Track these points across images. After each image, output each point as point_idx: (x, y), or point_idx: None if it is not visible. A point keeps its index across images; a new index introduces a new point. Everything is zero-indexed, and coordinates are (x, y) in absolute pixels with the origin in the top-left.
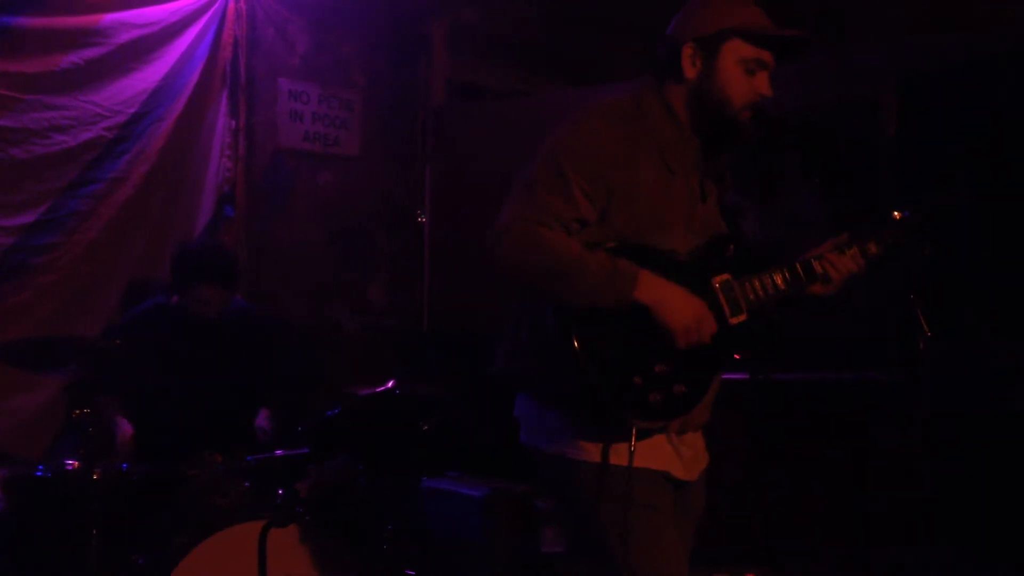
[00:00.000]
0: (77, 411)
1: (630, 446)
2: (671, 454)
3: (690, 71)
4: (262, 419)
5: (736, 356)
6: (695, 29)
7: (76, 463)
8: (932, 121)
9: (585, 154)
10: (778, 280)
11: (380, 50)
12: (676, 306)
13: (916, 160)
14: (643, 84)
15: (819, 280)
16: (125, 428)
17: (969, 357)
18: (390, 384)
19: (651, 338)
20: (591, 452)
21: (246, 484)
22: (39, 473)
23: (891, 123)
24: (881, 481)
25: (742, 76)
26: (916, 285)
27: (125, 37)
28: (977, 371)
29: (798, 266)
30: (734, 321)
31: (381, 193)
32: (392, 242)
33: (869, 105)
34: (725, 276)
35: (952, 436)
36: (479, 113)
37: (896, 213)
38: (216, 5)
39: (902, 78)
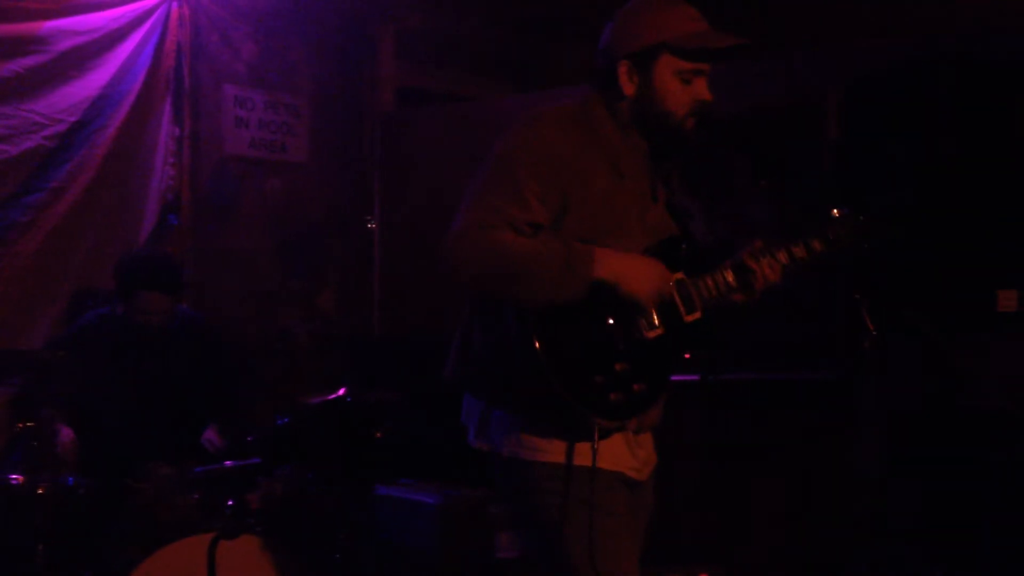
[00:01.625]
0: (21, 424)
1: (593, 445)
2: (627, 455)
3: (628, 88)
4: (210, 430)
5: (687, 355)
6: (628, 45)
7: (21, 477)
8: (874, 123)
9: (536, 158)
10: (729, 277)
11: (327, 56)
12: (638, 274)
13: (859, 162)
14: (589, 90)
15: (783, 268)
16: (65, 434)
17: (913, 355)
18: (341, 392)
19: (610, 337)
20: (550, 453)
21: (195, 496)
22: None
23: (834, 126)
24: (830, 479)
25: (679, 87)
26: (861, 284)
27: (65, 45)
28: (922, 369)
29: (748, 262)
30: (689, 319)
31: (330, 199)
32: (342, 249)
33: (814, 108)
34: (679, 275)
35: (899, 434)
36: (427, 118)
37: (835, 211)
38: (158, 11)
39: (845, 81)
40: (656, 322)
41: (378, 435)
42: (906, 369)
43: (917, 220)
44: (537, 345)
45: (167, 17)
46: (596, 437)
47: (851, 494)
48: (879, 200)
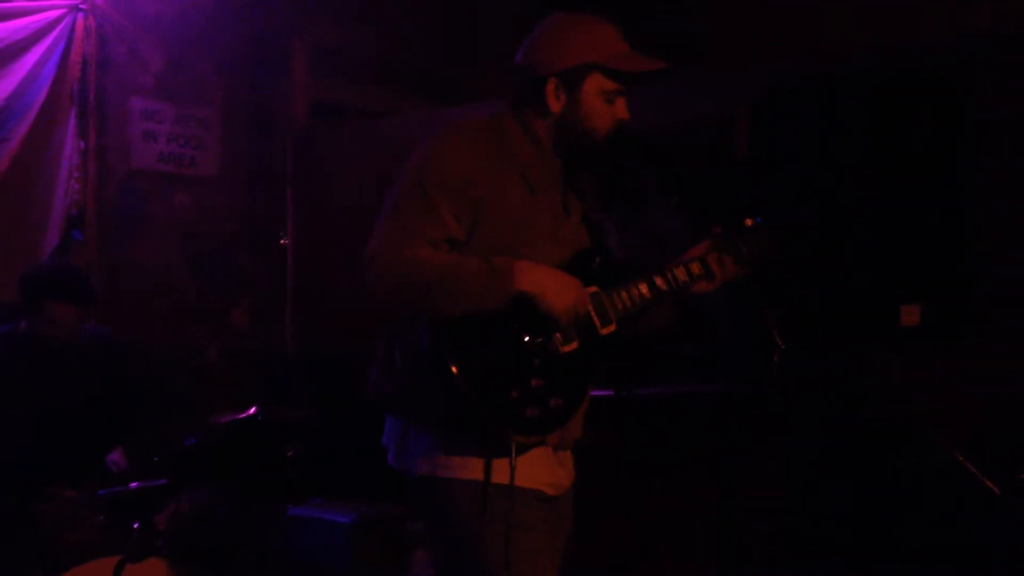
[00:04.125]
0: None
1: (511, 462)
2: (546, 471)
3: (555, 106)
4: (112, 455)
5: (601, 370)
6: (557, 63)
7: None
8: (781, 140)
9: (448, 174)
10: (643, 290)
11: (239, 68)
12: (557, 287)
13: (767, 178)
14: (502, 106)
15: (696, 280)
16: None
17: (821, 369)
18: (252, 410)
19: (525, 352)
20: (468, 471)
21: (100, 518)
22: None
23: (743, 142)
24: (743, 493)
25: (603, 106)
26: (768, 299)
27: None
28: (830, 382)
29: (660, 275)
30: (605, 332)
31: (241, 214)
32: (254, 264)
33: (725, 125)
34: (593, 289)
35: (809, 447)
36: (341, 133)
37: (748, 220)
38: (63, 23)
39: (753, 99)
40: (572, 336)
41: (289, 454)
42: (813, 382)
43: (822, 235)
44: (451, 362)
45: (72, 29)
46: (514, 453)
47: (764, 507)
48: (785, 216)
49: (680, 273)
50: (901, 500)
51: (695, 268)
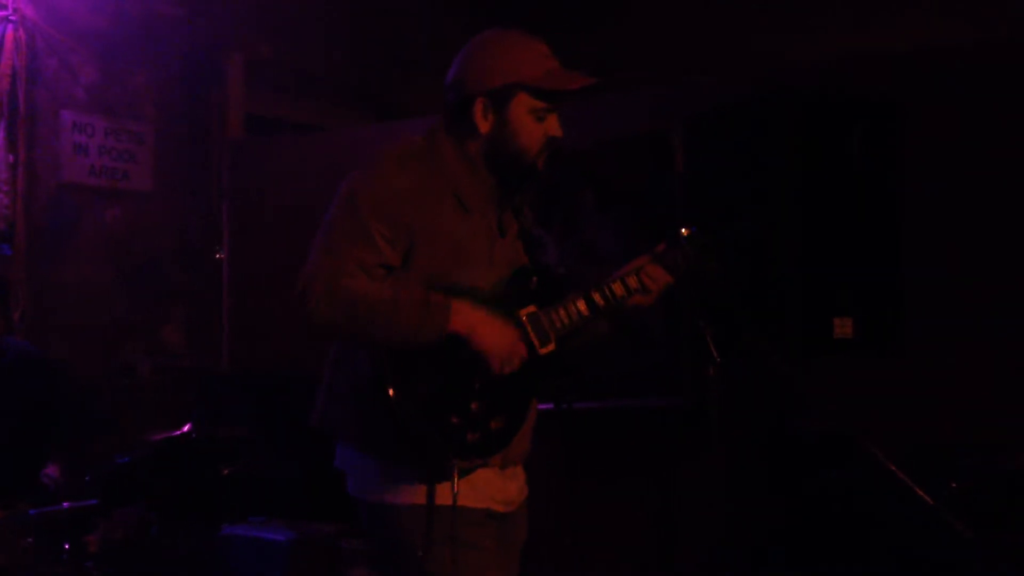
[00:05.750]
0: None
1: (452, 487)
2: (495, 489)
3: (483, 125)
4: (47, 470)
5: (543, 387)
6: (483, 83)
7: None
8: (717, 157)
9: (382, 199)
10: (581, 307)
11: (173, 82)
12: (491, 333)
13: (703, 194)
14: (436, 125)
15: (633, 294)
16: None
17: (757, 380)
18: (186, 428)
19: (465, 376)
20: (412, 495)
21: (29, 539)
22: None
23: (680, 159)
24: (683, 505)
25: (533, 124)
26: (704, 313)
27: None
28: (764, 394)
29: (598, 291)
30: (544, 351)
31: (176, 229)
32: (189, 280)
33: (660, 142)
34: (531, 308)
35: (746, 459)
36: (277, 147)
37: (684, 230)
38: None
39: (688, 117)
40: None
41: (225, 472)
42: (749, 394)
43: (756, 249)
44: (390, 388)
45: (1, 40)
46: (456, 478)
47: (704, 520)
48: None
49: (617, 288)
50: (836, 510)
51: (632, 282)
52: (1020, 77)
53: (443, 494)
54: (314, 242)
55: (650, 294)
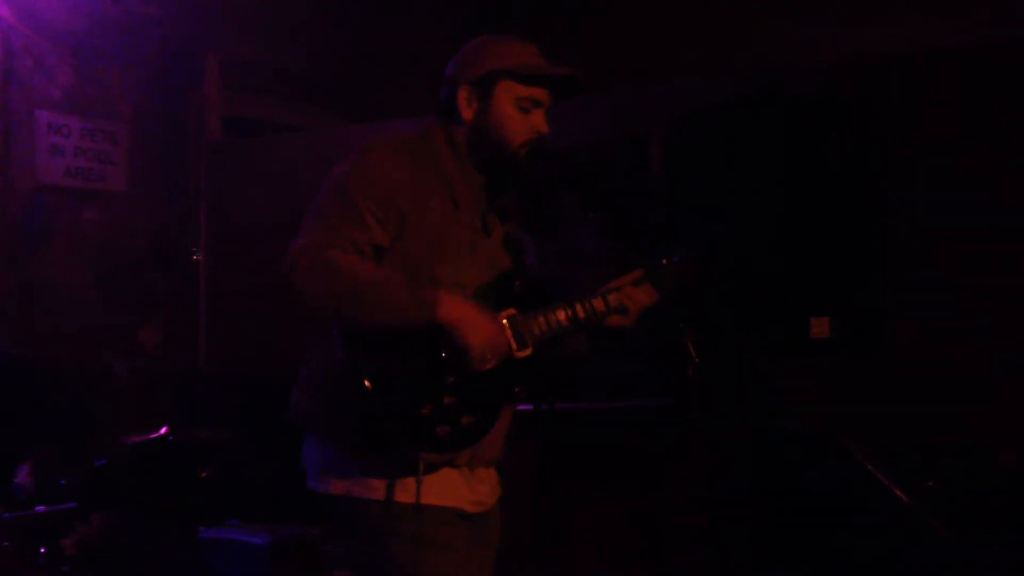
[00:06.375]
0: None
1: (417, 478)
2: (463, 489)
3: (467, 113)
4: (22, 473)
5: (517, 390)
6: (469, 73)
7: None
8: (696, 159)
9: (373, 182)
10: (561, 317)
11: (149, 83)
12: (476, 325)
13: (682, 196)
14: (430, 122)
15: (612, 313)
16: None
17: (736, 381)
18: (163, 431)
19: (440, 369)
20: (379, 489)
21: (5, 543)
22: None
23: (659, 162)
24: (665, 506)
25: (517, 114)
26: (684, 314)
27: None
28: (745, 394)
29: (579, 304)
30: (520, 355)
31: (153, 230)
32: (166, 282)
33: (640, 144)
34: (512, 311)
35: (726, 459)
36: (255, 148)
37: (664, 260)
38: None
39: (667, 119)
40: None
41: (203, 475)
42: (729, 394)
43: (736, 252)
44: (365, 376)
45: None
46: (421, 471)
47: (685, 515)
48: (701, 233)
49: (598, 304)
50: (815, 509)
51: (613, 300)
52: (998, 79)
53: (408, 489)
54: (303, 221)
55: (629, 315)
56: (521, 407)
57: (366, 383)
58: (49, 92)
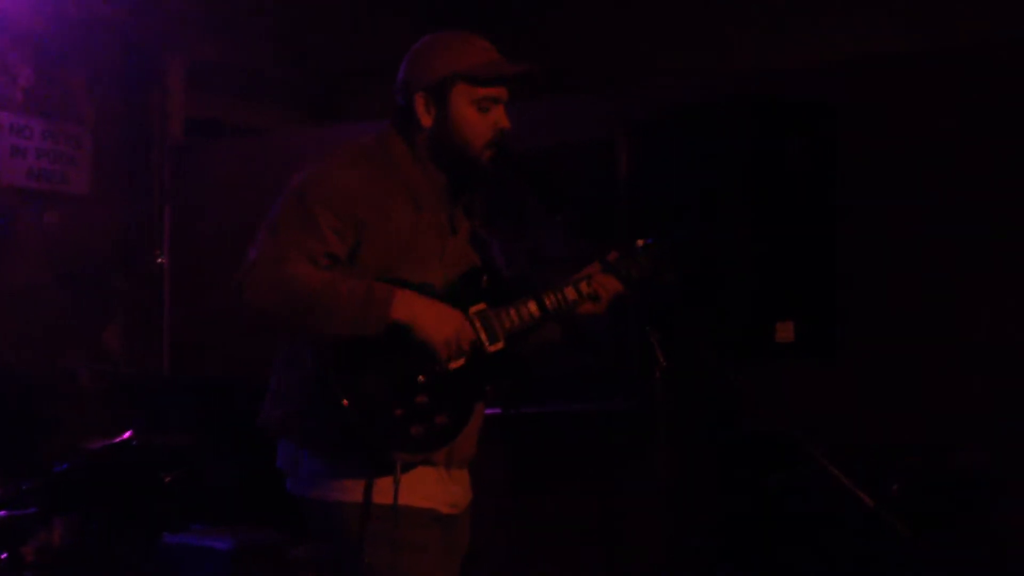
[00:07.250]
0: None
1: (395, 478)
2: (439, 490)
3: (426, 120)
4: None
5: (488, 388)
6: (423, 78)
7: None
8: (661, 161)
9: (331, 191)
10: (532, 308)
11: (112, 84)
12: (435, 319)
13: (648, 199)
14: (387, 126)
15: (585, 300)
16: None
17: (701, 384)
18: (126, 435)
19: (411, 369)
20: (355, 492)
21: None
22: None
23: (625, 164)
24: (629, 509)
25: (476, 115)
26: (650, 317)
27: None
28: (709, 397)
29: (549, 294)
30: (492, 349)
31: (115, 233)
32: (129, 285)
33: (605, 148)
34: (481, 306)
35: (691, 462)
36: (218, 150)
37: (639, 241)
38: None
39: (633, 122)
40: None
41: (166, 480)
42: (695, 397)
43: (701, 254)
44: (335, 380)
45: None
46: (398, 471)
47: (648, 518)
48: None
49: (569, 292)
50: (779, 512)
51: (584, 288)
52: (962, 86)
53: (385, 492)
54: (259, 232)
55: (600, 302)
56: (489, 411)
57: (336, 388)
58: (11, 93)
